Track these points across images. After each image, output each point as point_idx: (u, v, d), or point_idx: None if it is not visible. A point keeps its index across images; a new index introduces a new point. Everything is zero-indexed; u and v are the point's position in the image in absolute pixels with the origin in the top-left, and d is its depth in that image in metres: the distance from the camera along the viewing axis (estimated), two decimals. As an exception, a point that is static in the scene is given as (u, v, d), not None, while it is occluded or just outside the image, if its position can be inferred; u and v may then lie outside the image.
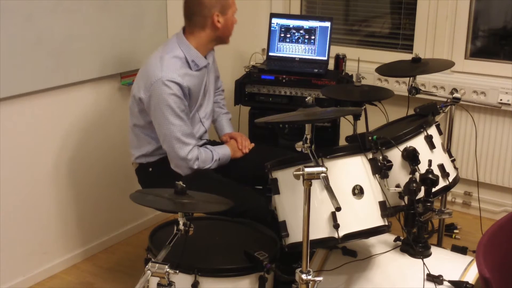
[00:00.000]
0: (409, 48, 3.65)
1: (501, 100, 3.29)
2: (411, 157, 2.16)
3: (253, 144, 2.76)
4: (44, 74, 2.73)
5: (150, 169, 2.59)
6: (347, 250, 2.18)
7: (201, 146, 2.59)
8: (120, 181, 3.20)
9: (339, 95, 2.86)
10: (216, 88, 2.85)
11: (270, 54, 3.45)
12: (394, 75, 3.27)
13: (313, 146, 1.88)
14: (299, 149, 1.91)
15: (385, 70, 2.86)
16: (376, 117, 2.68)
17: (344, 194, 1.92)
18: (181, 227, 1.83)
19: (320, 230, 1.90)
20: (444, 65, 2.90)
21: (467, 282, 1.96)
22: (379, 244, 2.20)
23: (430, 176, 2.09)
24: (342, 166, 1.97)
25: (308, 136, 1.88)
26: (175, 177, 1.95)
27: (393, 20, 3.86)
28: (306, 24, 3.40)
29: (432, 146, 2.27)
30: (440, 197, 2.84)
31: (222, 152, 2.60)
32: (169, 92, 2.39)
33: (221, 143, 2.77)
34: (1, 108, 2.60)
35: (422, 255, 2.08)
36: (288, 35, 3.42)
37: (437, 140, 2.31)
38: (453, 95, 2.72)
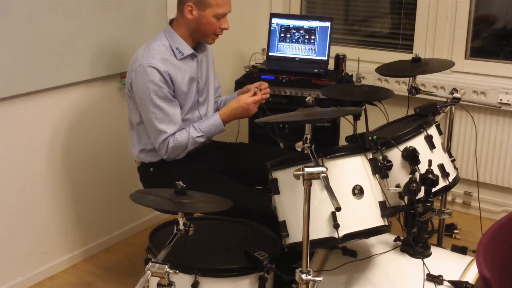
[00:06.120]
0: (409, 48, 3.65)
1: (501, 100, 3.29)
2: (411, 157, 2.16)
3: (268, 91, 2.63)
4: (44, 74, 2.73)
5: (151, 169, 2.59)
6: (347, 250, 2.18)
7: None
8: (120, 181, 3.20)
9: (339, 95, 2.86)
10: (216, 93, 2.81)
11: (270, 54, 3.45)
12: (394, 75, 3.27)
13: (313, 146, 1.88)
14: (299, 149, 1.91)
15: (385, 70, 2.85)
16: (376, 117, 2.68)
17: (344, 194, 1.92)
18: (181, 227, 1.84)
19: (320, 230, 1.90)
20: (444, 65, 2.90)
21: (467, 282, 1.96)
22: (379, 244, 2.20)
23: (430, 176, 2.09)
24: (342, 166, 1.97)
25: (308, 136, 1.88)
26: (176, 178, 1.95)
27: (393, 20, 3.86)
28: (306, 24, 3.40)
29: (432, 146, 2.27)
30: (440, 197, 2.84)
31: (206, 124, 2.53)
32: (147, 78, 2.40)
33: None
34: (1, 108, 2.60)
35: (422, 255, 2.08)
36: (288, 35, 3.42)
37: (437, 140, 2.31)
38: (453, 95, 2.72)
